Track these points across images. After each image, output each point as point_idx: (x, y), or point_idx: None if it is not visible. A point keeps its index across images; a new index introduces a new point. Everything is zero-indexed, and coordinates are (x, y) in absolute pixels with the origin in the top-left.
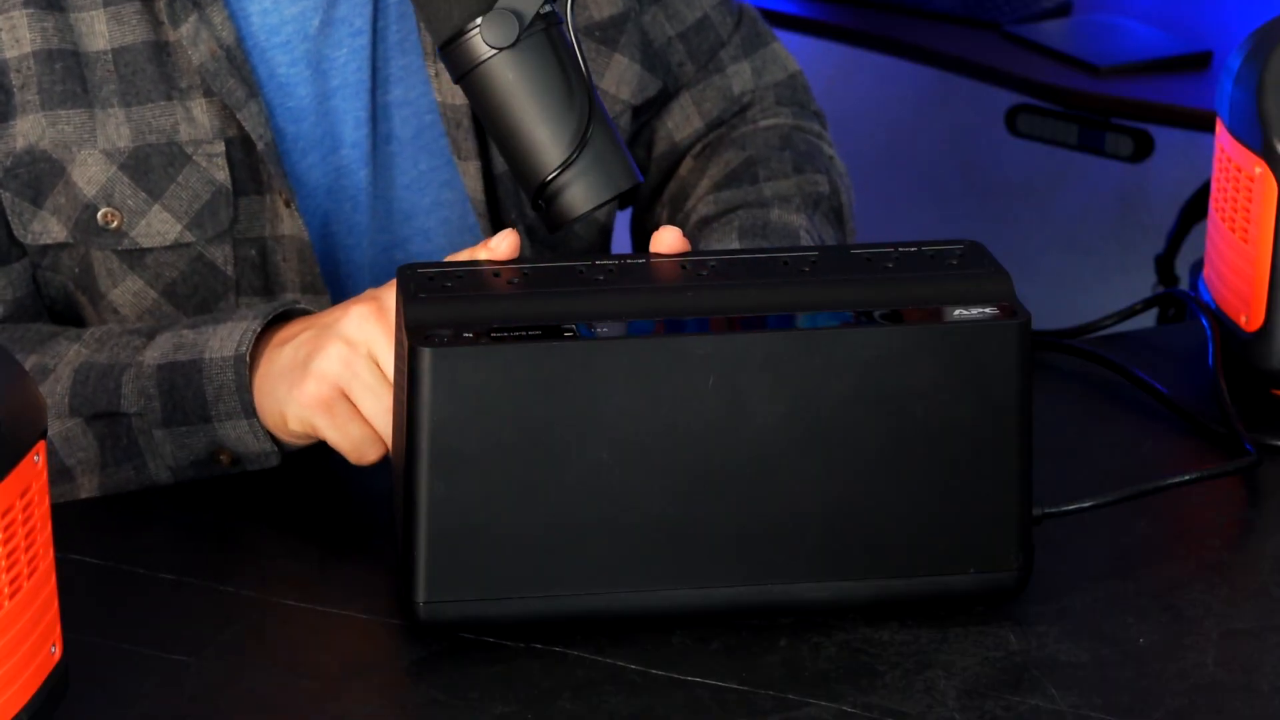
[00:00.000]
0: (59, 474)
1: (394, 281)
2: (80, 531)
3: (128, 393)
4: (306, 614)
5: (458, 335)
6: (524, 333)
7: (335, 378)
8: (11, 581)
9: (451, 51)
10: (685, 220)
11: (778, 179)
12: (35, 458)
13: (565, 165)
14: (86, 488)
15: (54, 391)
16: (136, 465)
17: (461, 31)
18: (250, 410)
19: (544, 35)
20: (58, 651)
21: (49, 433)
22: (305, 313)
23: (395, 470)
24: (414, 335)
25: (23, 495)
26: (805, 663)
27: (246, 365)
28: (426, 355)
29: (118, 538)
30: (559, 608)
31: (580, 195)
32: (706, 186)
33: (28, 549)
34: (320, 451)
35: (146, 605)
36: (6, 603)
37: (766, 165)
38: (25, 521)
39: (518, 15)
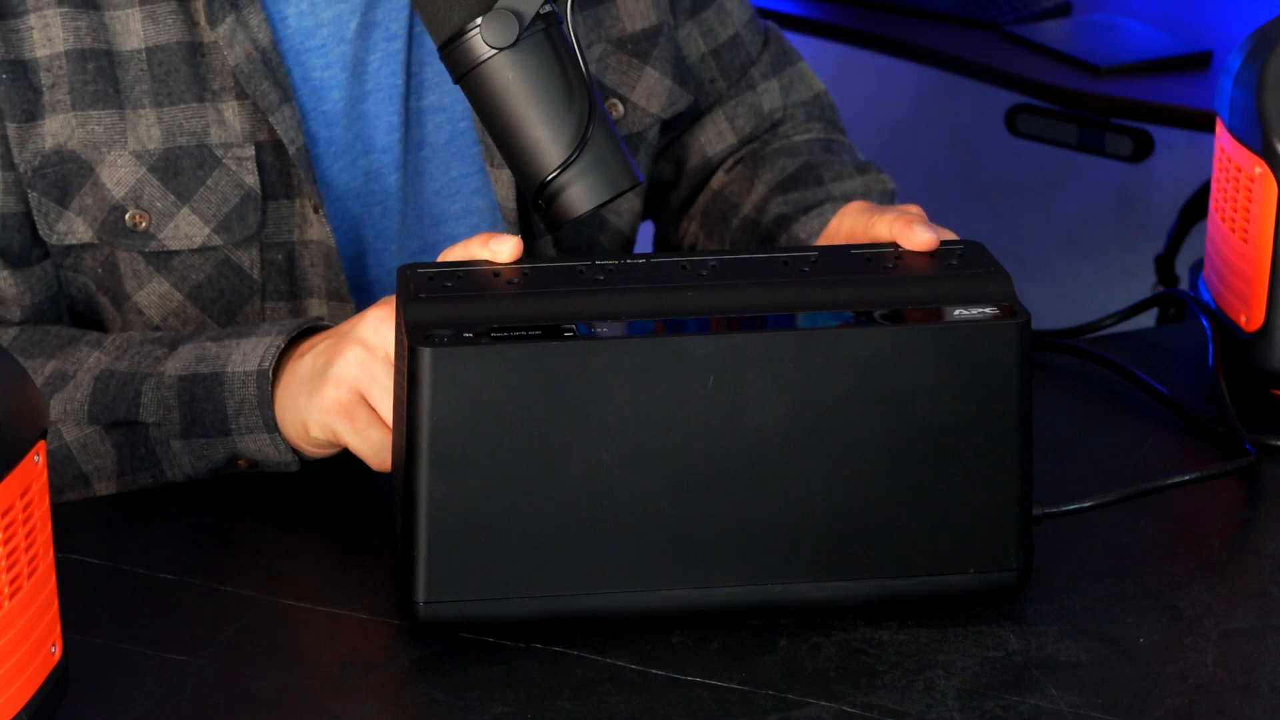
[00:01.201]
0: (75, 479)
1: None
2: (80, 531)
3: (147, 402)
4: (306, 614)
5: (458, 335)
6: (524, 333)
7: (354, 381)
8: (11, 581)
9: (451, 51)
10: (753, 224)
11: (843, 179)
12: (35, 458)
13: (565, 165)
14: (103, 491)
15: (74, 398)
16: (154, 473)
17: (461, 31)
18: (272, 425)
19: (544, 35)
20: (58, 651)
21: (68, 439)
22: (328, 327)
23: (395, 470)
24: (414, 335)
25: (23, 495)
26: (805, 663)
27: (269, 381)
28: (426, 355)
29: (118, 538)
30: (559, 608)
31: (580, 195)
32: (764, 192)
33: (28, 549)
34: None
35: (146, 605)
36: (6, 603)
37: (828, 168)
38: (25, 521)
39: (518, 15)
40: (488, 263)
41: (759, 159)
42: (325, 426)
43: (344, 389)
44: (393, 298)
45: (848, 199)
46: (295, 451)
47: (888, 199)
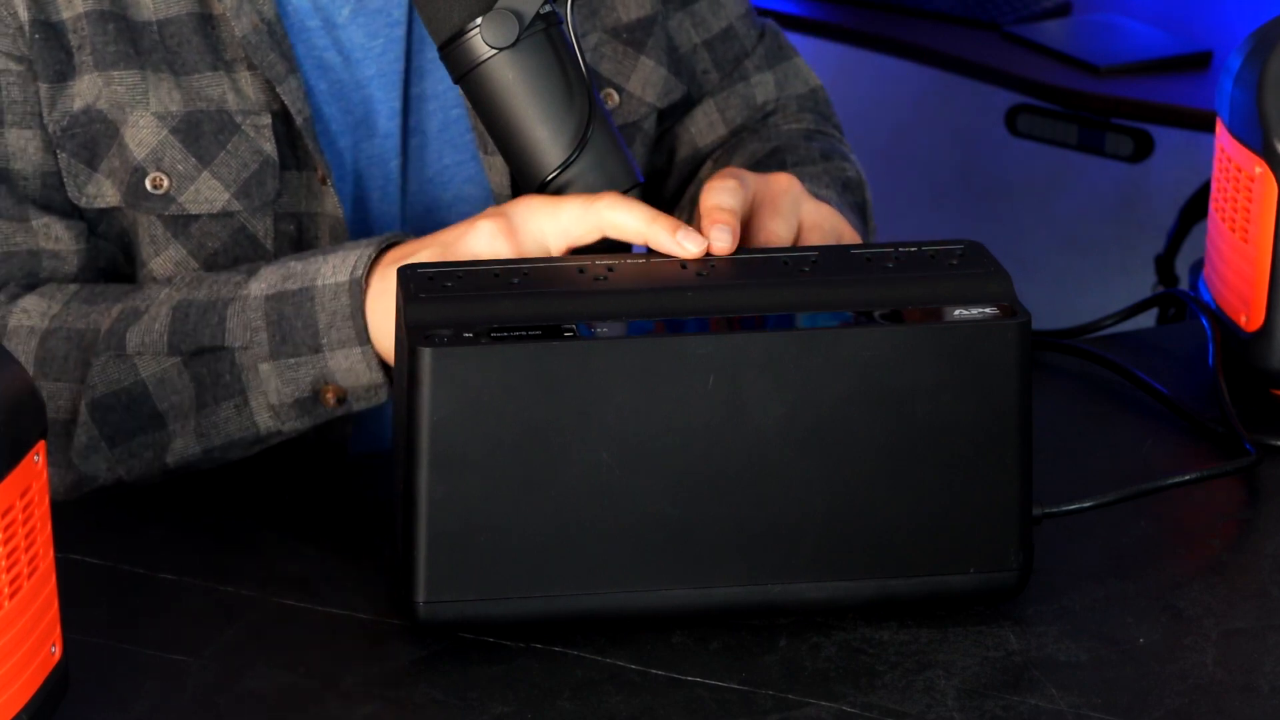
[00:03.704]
0: (150, 419)
1: (522, 200)
2: (80, 531)
3: (232, 326)
4: (306, 614)
5: (458, 335)
6: (524, 333)
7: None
8: (11, 581)
9: (451, 51)
10: None
11: (805, 164)
12: (35, 458)
13: (565, 165)
14: (181, 435)
15: (151, 330)
16: (237, 404)
17: (461, 31)
18: (364, 337)
19: (544, 35)
20: (58, 651)
21: (144, 375)
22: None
23: (395, 470)
24: (414, 335)
25: (23, 495)
26: (805, 663)
27: (361, 289)
28: (426, 355)
29: (118, 538)
30: (559, 608)
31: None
32: None
33: (28, 549)
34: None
35: (146, 605)
36: (6, 603)
37: (794, 152)
38: (25, 521)
39: (518, 15)
40: (488, 262)
41: (735, 145)
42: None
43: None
44: (500, 208)
45: (809, 178)
46: (385, 371)
47: (839, 187)
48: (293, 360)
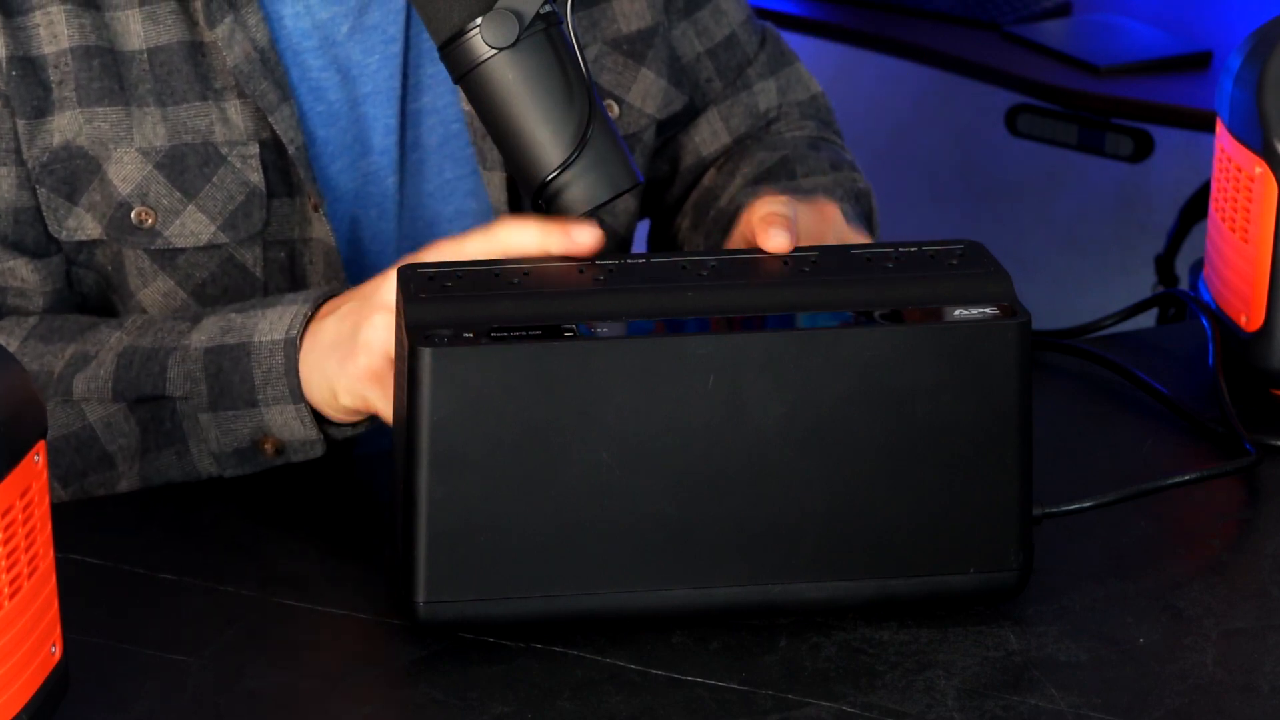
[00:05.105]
0: (100, 461)
1: (433, 245)
2: (80, 531)
3: (173, 376)
4: (306, 614)
5: (458, 335)
6: (524, 333)
7: (383, 347)
8: (11, 581)
9: (451, 52)
10: (723, 214)
11: (815, 174)
12: (35, 458)
13: (565, 165)
14: (127, 476)
15: (97, 376)
16: (179, 450)
17: (461, 32)
18: (298, 395)
19: (544, 35)
20: (58, 651)
21: (91, 419)
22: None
23: (395, 470)
24: (414, 335)
25: (23, 495)
26: (805, 663)
27: (296, 349)
28: (426, 355)
29: (118, 538)
30: (559, 608)
31: (580, 195)
32: (740, 183)
33: (28, 549)
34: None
35: (146, 605)
36: (6, 603)
37: (803, 163)
38: (25, 521)
39: (518, 15)
40: (488, 262)
41: (741, 153)
42: (357, 394)
43: (375, 355)
44: (412, 256)
45: (822, 189)
46: (321, 426)
47: (851, 199)
48: (231, 413)
